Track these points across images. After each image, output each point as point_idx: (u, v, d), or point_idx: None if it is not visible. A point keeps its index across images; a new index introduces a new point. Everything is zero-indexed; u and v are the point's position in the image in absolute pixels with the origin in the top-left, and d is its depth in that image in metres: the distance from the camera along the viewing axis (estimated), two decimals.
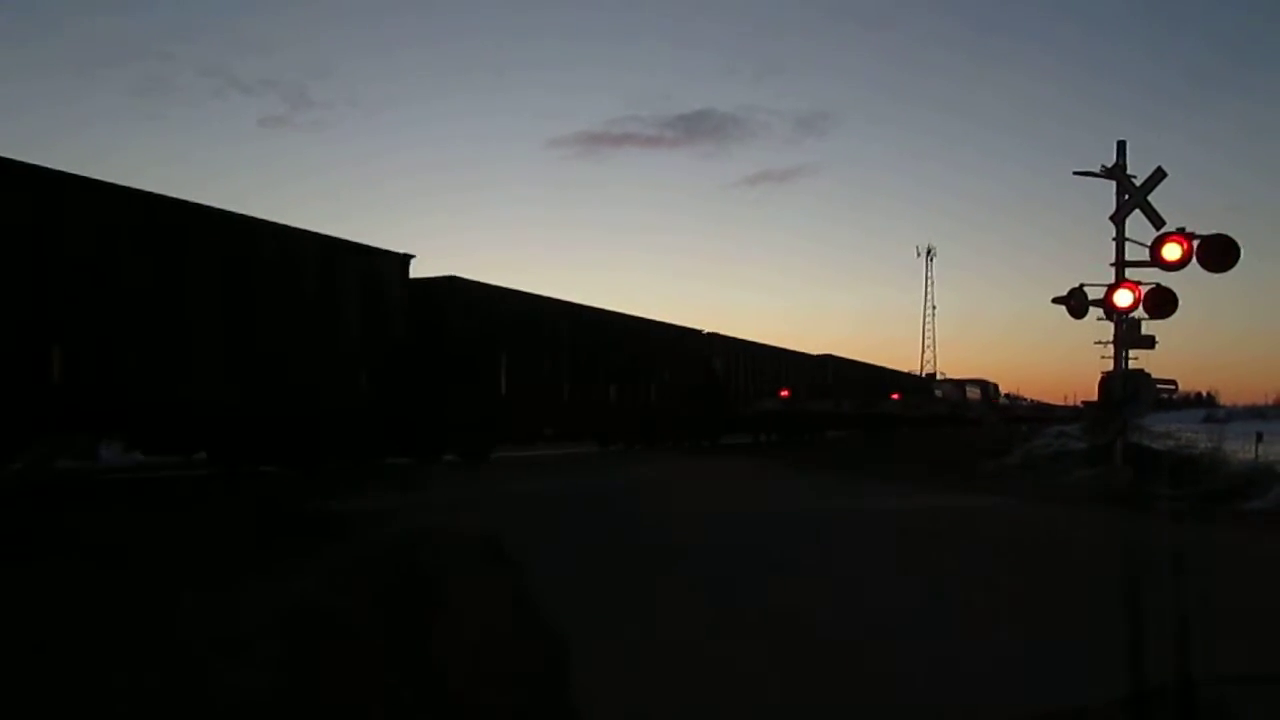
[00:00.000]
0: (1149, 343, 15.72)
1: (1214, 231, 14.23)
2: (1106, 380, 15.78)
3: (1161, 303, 14.84)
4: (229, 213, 15.13)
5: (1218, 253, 14.15)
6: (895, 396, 44.79)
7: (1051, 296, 15.95)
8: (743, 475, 19.10)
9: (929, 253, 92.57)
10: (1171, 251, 14.30)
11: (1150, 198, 15.12)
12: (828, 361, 42.16)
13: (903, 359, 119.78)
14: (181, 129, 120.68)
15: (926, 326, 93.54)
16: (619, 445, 25.91)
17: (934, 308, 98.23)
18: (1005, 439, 30.12)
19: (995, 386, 61.18)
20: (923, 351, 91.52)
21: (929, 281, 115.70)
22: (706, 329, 31.98)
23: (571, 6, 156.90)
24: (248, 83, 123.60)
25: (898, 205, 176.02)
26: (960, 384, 55.37)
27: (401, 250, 18.01)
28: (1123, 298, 14.83)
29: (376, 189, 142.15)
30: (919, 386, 54.24)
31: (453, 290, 19.71)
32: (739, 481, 17.52)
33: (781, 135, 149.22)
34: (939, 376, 61.07)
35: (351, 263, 17.08)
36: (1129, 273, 15.21)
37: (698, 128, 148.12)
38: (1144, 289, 14.99)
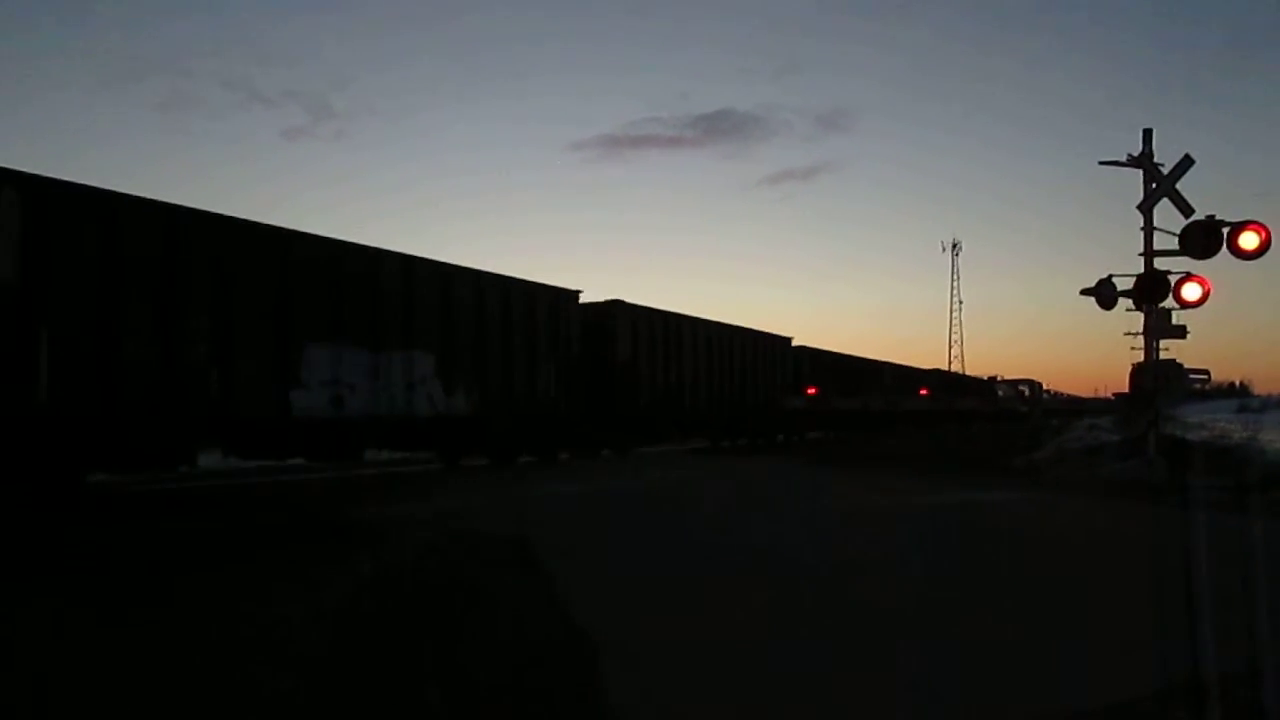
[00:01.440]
0: (1180, 333, 15.55)
1: (1243, 219, 14.08)
2: (1138, 371, 15.62)
3: (1206, 238, 14.39)
4: (751, 329, 30.74)
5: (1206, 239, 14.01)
6: (923, 392, 45.95)
7: (1078, 289, 15.84)
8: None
9: (955, 247, 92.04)
10: (1203, 240, 14.15)
11: (1179, 185, 14.96)
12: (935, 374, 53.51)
13: (926, 356, 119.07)
14: (205, 142, 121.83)
15: (953, 322, 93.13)
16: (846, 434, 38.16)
17: (960, 302, 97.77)
18: (1038, 432, 29.97)
19: (1040, 384, 71.43)
20: (949, 347, 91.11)
21: (955, 276, 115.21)
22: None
23: (588, 10, 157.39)
24: (270, 95, 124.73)
25: (920, 201, 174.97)
26: (1014, 384, 65.85)
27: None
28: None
29: (399, 196, 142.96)
30: (983, 387, 63.35)
31: (802, 351, 34.40)
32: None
33: (802, 133, 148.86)
34: (999, 379, 68.92)
35: (781, 343, 32.66)
36: (1159, 261, 15.06)
37: (718, 127, 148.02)
38: (1174, 278, 14.85)
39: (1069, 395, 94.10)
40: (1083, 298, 15.75)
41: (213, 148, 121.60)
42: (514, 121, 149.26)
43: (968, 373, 75.23)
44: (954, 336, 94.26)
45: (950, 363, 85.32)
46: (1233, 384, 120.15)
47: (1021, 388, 67.16)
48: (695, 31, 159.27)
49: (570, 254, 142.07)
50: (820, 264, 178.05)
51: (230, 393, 13.23)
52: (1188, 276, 14.79)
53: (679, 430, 26.18)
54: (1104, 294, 15.57)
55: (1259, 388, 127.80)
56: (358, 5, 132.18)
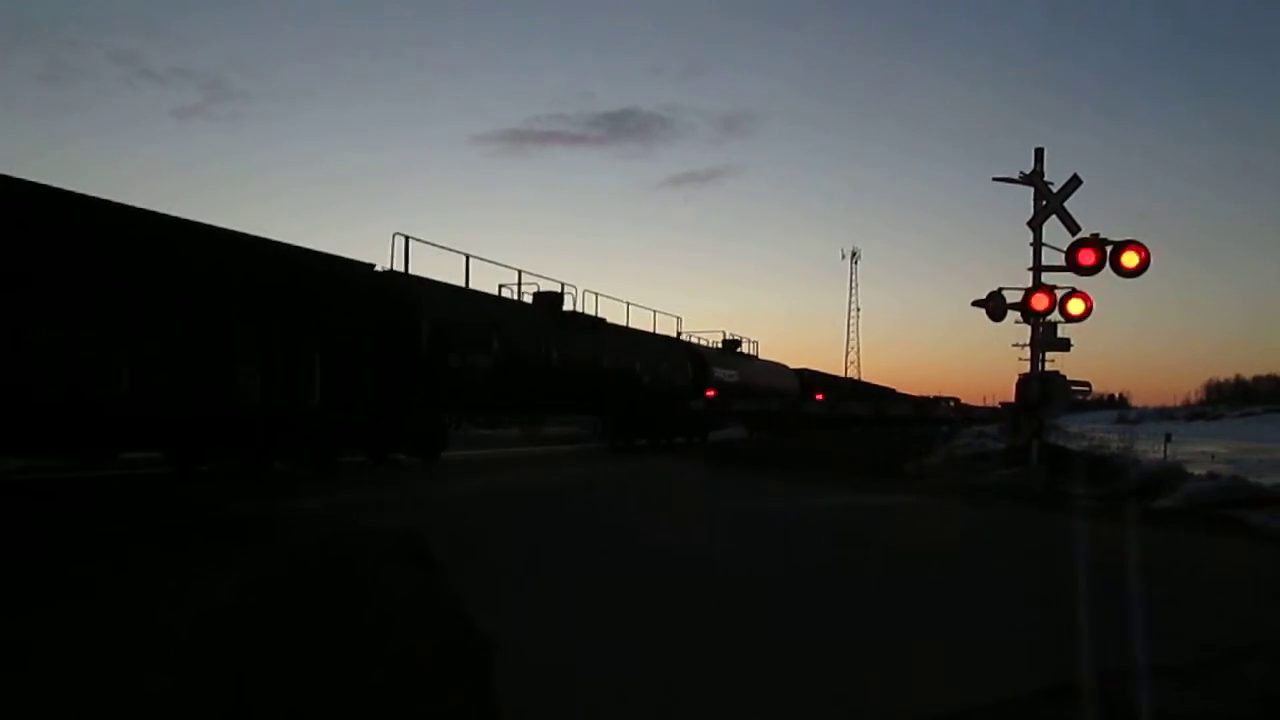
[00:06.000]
0: (1064, 345, 16.12)
1: (1127, 237, 14.69)
2: (1023, 382, 16.14)
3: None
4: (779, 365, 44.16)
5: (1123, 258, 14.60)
6: (819, 397, 46.95)
7: (971, 299, 16.30)
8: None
9: (853, 256, 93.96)
10: (1087, 257, 14.72)
11: (1067, 203, 15.50)
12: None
13: (831, 361, 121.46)
14: (90, 119, 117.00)
15: (851, 329, 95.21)
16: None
17: (858, 310, 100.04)
18: (931, 439, 30.84)
19: (959, 399, 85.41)
20: (846, 354, 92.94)
21: (853, 285, 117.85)
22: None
23: (496, 6, 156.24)
24: (159, 71, 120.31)
25: (823, 206, 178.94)
26: (944, 400, 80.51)
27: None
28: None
29: (296, 183, 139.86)
30: (925, 402, 74.43)
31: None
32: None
33: (705, 135, 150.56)
34: (938, 396, 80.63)
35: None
36: (1046, 276, 15.59)
37: (622, 126, 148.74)
38: (1060, 293, 15.40)
39: (961, 403, 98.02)
40: (974, 308, 16.23)
41: (98, 124, 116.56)
42: (417, 111, 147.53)
43: (863, 379, 77.54)
44: (851, 343, 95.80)
45: (847, 369, 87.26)
46: (1112, 396, 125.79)
47: (943, 404, 78.97)
48: (602, 31, 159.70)
49: (470, 246, 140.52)
50: (726, 267, 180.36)
51: None
52: (1073, 292, 15.36)
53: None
54: (994, 306, 16.05)
55: (1136, 400, 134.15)
56: None
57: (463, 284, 21.53)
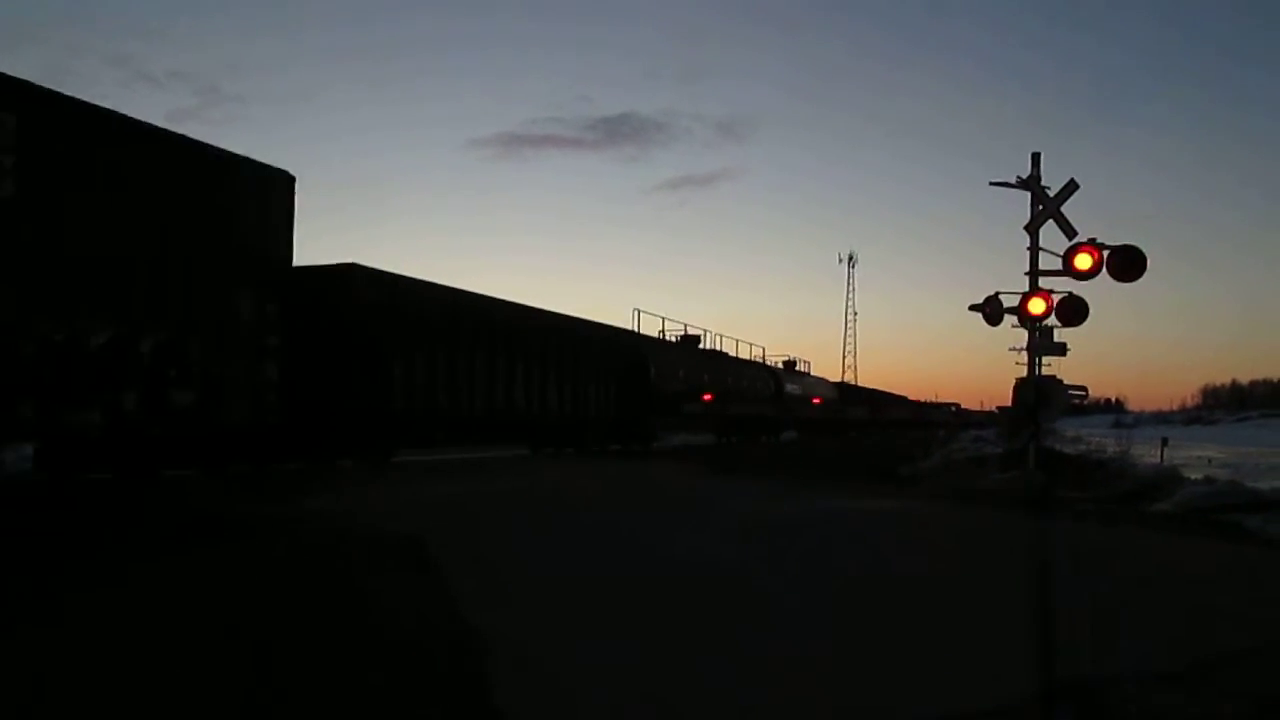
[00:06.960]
0: (1061, 350, 16.09)
1: (1124, 242, 14.69)
2: (1020, 386, 16.13)
3: (1073, 311, 15.24)
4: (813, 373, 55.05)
5: (1126, 263, 14.59)
6: (817, 401, 48.22)
7: (968, 302, 16.27)
8: None
9: (850, 259, 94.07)
10: (1082, 261, 14.71)
11: (1063, 208, 15.50)
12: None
13: (828, 365, 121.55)
14: None
15: (848, 333, 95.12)
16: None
17: (855, 314, 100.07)
18: (930, 442, 30.91)
19: (960, 404, 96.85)
20: (844, 358, 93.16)
21: (850, 288, 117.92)
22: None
23: (492, 11, 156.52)
24: (156, 75, 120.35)
25: (820, 210, 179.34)
26: (947, 405, 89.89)
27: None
28: (1036, 306, 15.18)
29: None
30: (936, 405, 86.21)
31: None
32: None
33: (702, 140, 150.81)
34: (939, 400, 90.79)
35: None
36: (1043, 281, 15.58)
37: (619, 130, 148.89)
38: (1057, 297, 15.39)
39: (958, 407, 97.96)
40: (970, 312, 16.20)
41: None
42: (413, 113, 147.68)
43: (859, 383, 77.84)
44: (848, 348, 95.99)
45: (844, 373, 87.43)
46: (1109, 400, 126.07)
47: (950, 408, 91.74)
48: (598, 35, 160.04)
49: (468, 248, 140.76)
50: (723, 271, 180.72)
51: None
52: (1070, 296, 15.35)
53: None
54: (991, 310, 16.03)
55: (1133, 404, 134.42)
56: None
57: (658, 335, 35.17)
